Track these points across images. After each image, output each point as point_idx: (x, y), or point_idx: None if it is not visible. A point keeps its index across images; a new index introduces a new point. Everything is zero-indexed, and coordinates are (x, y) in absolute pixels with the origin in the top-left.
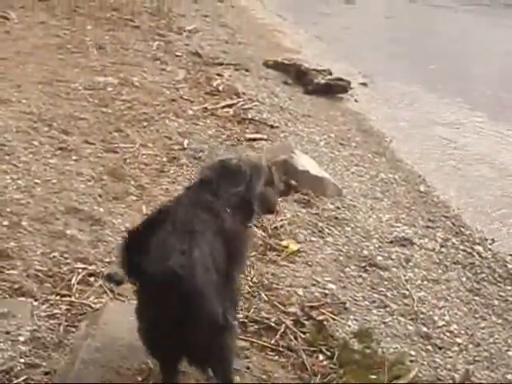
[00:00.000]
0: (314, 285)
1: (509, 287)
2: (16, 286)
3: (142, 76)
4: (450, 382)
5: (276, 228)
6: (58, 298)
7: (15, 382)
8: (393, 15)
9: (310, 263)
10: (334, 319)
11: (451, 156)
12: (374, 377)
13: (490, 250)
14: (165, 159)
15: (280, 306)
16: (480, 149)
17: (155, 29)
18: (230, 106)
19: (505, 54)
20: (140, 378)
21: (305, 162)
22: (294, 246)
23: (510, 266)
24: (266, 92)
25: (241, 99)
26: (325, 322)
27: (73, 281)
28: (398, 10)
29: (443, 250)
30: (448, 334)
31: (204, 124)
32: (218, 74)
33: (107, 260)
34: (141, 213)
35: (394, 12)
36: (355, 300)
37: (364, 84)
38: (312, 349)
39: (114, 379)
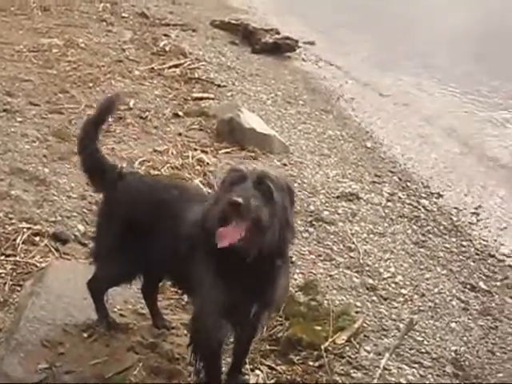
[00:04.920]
0: None
1: (453, 239)
2: None
3: (88, 37)
4: (395, 331)
5: None
6: (2, 257)
7: None
8: None
9: None
10: None
11: (398, 113)
12: (319, 328)
13: (435, 203)
14: (111, 119)
15: None
16: (427, 108)
17: None
18: (176, 66)
19: None
20: (86, 335)
21: (251, 120)
22: None
23: (454, 219)
24: (213, 52)
25: (188, 59)
26: None
27: (18, 240)
28: None
29: (389, 204)
30: (393, 285)
31: (150, 84)
32: (165, 35)
33: (52, 219)
34: None
35: None
36: (301, 254)
37: (312, 43)
38: None
39: (60, 336)
